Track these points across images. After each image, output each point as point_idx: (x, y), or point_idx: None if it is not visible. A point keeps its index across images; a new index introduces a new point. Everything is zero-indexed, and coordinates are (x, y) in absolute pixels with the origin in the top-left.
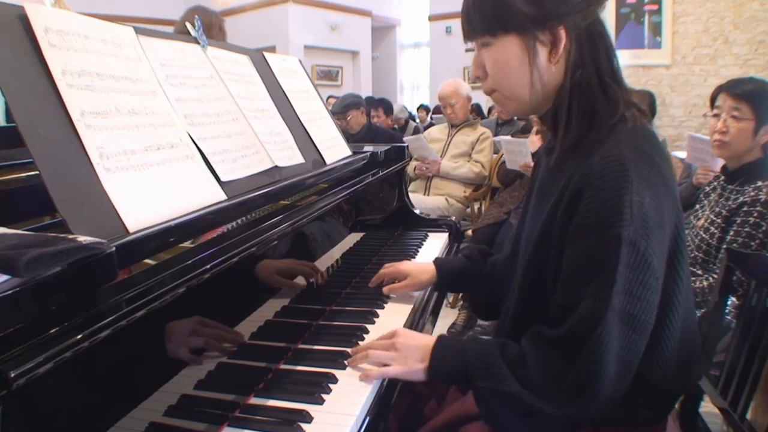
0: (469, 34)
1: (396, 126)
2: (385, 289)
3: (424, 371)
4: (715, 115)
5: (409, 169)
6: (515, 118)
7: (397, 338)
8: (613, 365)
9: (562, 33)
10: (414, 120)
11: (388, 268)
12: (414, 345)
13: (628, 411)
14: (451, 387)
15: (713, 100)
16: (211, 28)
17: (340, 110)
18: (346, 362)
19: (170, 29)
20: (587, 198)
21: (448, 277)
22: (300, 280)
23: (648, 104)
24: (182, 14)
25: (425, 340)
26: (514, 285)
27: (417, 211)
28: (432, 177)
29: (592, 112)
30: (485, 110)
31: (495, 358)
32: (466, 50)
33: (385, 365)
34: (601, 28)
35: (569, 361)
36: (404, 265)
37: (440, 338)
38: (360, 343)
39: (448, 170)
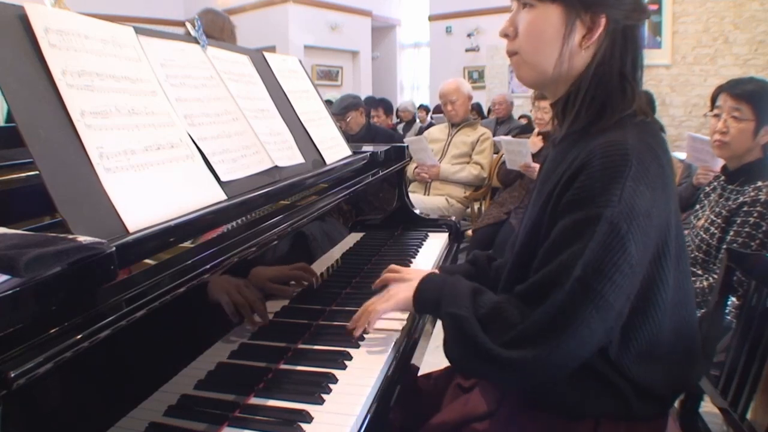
0: None
1: (402, 120)
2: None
3: (412, 300)
4: (716, 116)
5: (409, 171)
6: (515, 117)
7: (391, 285)
8: (564, 331)
9: (602, 22)
10: (414, 120)
11: (394, 274)
12: (406, 282)
13: (619, 404)
14: (451, 384)
15: (713, 100)
16: (223, 32)
17: (339, 112)
18: (347, 328)
19: (170, 29)
20: (582, 177)
21: None
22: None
23: (647, 104)
24: (195, 13)
25: (417, 274)
26: (506, 271)
27: (417, 211)
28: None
29: (604, 103)
30: (485, 110)
31: (464, 290)
32: (466, 50)
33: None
34: (637, 34)
35: (522, 313)
36: (410, 273)
37: (428, 274)
38: (360, 343)
39: (448, 175)
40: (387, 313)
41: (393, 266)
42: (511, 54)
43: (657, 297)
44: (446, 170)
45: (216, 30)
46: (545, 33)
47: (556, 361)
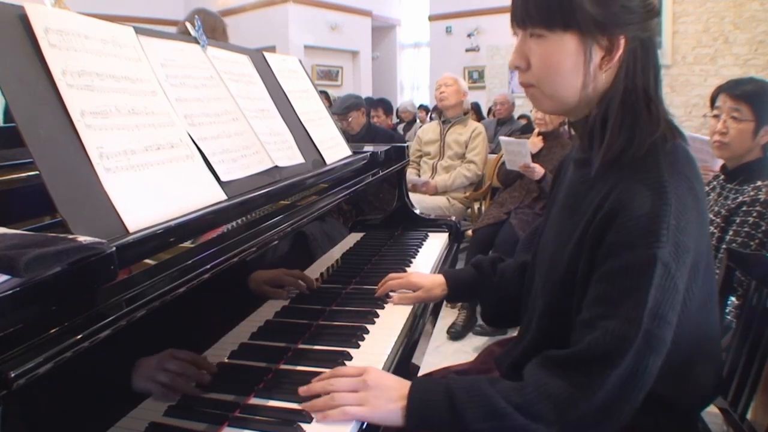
0: (521, 21)
1: (402, 121)
2: (395, 298)
3: (401, 413)
4: (715, 116)
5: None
6: (515, 117)
7: (368, 375)
8: (639, 388)
9: (622, 42)
10: (414, 120)
11: (398, 280)
12: (387, 384)
13: (644, 419)
14: None
15: (713, 100)
16: (214, 31)
17: (342, 111)
18: (301, 408)
19: (170, 29)
20: (623, 217)
21: (459, 289)
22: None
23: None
24: (185, 16)
25: (399, 380)
26: (536, 301)
27: (417, 211)
28: (432, 177)
29: (633, 127)
30: (484, 110)
31: (490, 394)
32: (466, 50)
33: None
34: (654, 46)
35: (592, 380)
36: (415, 277)
37: (418, 378)
38: (360, 343)
39: (446, 187)
40: (353, 419)
41: (394, 275)
42: (527, 86)
43: (683, 313)
44: (442, 184)
45: (208, 29)
46: (563, 64)
47: (627, 416)
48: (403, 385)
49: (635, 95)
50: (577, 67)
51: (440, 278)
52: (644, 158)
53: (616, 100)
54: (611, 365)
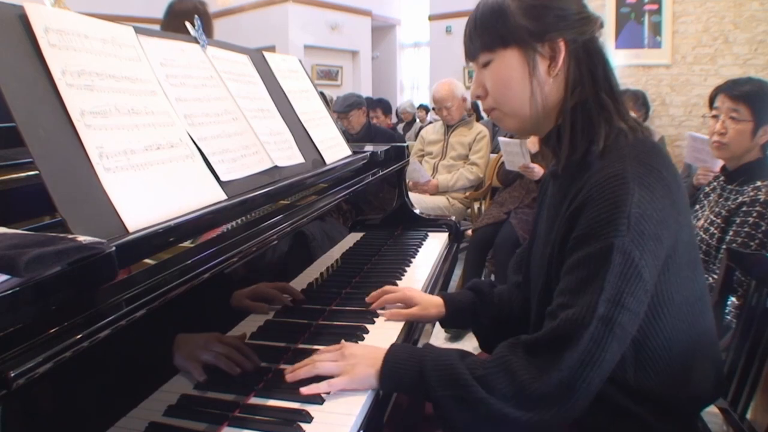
0: (471, 56)
1: (402, 120)
2: (387, 314)
3: (375, 377)
4: (714, 117)
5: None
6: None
7: (345, 348)
8: (597, 373)
9: (562, 45)
10: (414, 120)
11: (394, 294)
12: (363, 352)
13: (639, 428)
14: None
15: (711, 101)
16: (193, 14)
17: (343, 110)
18: (287, 377)
19: None
20: (587, 212)
21: (457, 313)
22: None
23: (641, 104)
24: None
25: (376, 348)
26: (532, 312)
27: (417, 211)
28: (434, 176)
29: (592, 128)
30: (484, 112)
31: (456, 365)
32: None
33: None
34: (597, 45)
35: (547, 363)
36: (412, 292)
37: (393, 345)
38: (360, 343)
39: (447, 187)
40: (336, 389)
41: (390, 288)
42: (489, 111)
43: (664, 309)
44: (444, 183)
45: (188, 15)
46: (511, 79)
47: (583, 399)
48: (379, 352)
49: (586, 97)
50: (524, 78)
51: (437, 299)
52: (608, 154)
53: (568, 108)
54: (566, 348)
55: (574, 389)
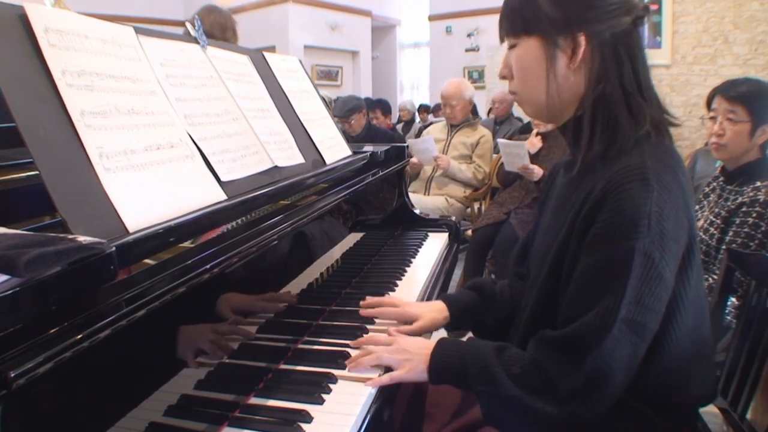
0: (501, 35)
1: (402, 119)
2: (391, 329)
3: (426, 371)
4: (712, 118)
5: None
6: (515, 116)
7: (399, 340)
8: (621, 372)
9: (582, 40)
10: (414, 120)
11: (392, 309)
12: (415, 347)
13: (640, 425)
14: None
15: (709, 102)
16: (225, 30)
17: (344, 114)
18: (346, 363)
19: (170, 29)
20: (607, 208)
21: (462, 313)
22: (296, 286)
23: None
24: (197, 12)
25: (424, 343)
26: (527, 298)
27: (417, 211)
28: (432, 177)
29: (615, 126)
30: (484, 111)
31: (491, 361)
32: (466, 50)
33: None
34: (630, 40)
35: (572, 362)
36: (410, 308)
37: (440, 341)
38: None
39: (455, 171)
40: (395, 381)
41: (387, 300)
42: (512, 93)
43: (679, 308)
44: (454, 166)
45: (218, 29)
46: (530, 67)
47: (611, 395)
48: (427, 348)
49: (611, 95)
50: (541, 69)
51: (438, 304)
52: (629, 152)
53: (590, 100)
54: (589, 349)
55: (601, 389)
